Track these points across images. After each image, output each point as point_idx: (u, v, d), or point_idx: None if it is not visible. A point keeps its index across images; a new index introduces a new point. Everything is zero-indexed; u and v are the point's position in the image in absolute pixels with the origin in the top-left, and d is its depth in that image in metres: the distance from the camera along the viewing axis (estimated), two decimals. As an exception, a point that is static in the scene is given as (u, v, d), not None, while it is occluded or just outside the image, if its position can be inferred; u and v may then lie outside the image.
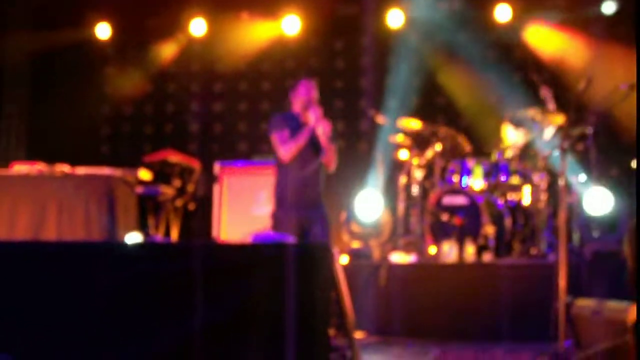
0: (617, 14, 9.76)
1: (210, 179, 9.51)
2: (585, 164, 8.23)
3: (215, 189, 9.23)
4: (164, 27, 11.09)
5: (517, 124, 8.44)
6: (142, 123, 11.41)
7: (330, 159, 6.67)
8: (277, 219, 6.57)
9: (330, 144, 6.59)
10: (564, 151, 5.97)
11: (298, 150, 6.53)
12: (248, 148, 10.91)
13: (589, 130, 7.99)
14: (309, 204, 6.57)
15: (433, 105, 10.43)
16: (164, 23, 11.08)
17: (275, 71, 11.04)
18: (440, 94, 10.40)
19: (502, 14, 10.10)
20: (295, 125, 6.62)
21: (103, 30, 11.14)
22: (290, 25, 10.70)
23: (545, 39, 10.05)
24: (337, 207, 8.93)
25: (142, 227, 8.83)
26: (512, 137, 8.52)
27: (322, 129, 6.54)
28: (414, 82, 10.33)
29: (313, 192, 6.62)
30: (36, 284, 4.66)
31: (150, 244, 6.98)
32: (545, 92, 8.21)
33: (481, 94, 10.08)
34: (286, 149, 6.53)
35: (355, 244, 8.87)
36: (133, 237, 8.06)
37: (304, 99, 6.70)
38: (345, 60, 10.88)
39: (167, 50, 11.15)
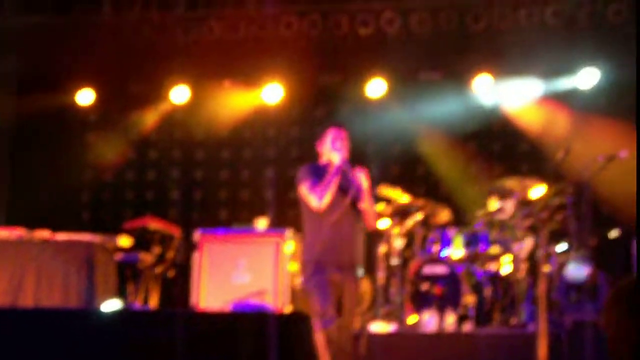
0: (595, 86, 9.90)
1: (190, 246, 9.46)
2: (564, 233, 8.26)
3: (195, 256, 9.17)
4: (146, 94, 11.13)
5: (502, 195, 8.45)
6: (123, 190, 11.38)
7: (370, 213, 6.09)
8: (313, 287, 5.79)
9: (368, 193, 6.02)
10: (543, 221, 6.01)
11: (331, 194, 5.93)
12: (229, 216, 10.89)
13: (568, 200, 8.04)
14: (342, 262, 5.91)
15: (413, 174, 10.49)
16: (146, 90, 11.12)
17: (256, 139, 11.08)
18: (420, 163, 10.47)
19: (482, 84, 10.22)
20: (325, 176, 6.09)
21: (85, 96, 11.16)
22: (272, 93, 10.77)
23: (525, 111, 10.17)
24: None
25: (121, 294, 8.76)
26: (500, 208, 8.48)
27: (363, 181, 5.98)
28: (394, 151, 10.43)
29: (346, 247, 5.95)
30: (14, 351, 4.61)
31: (129, 312, 6.94)
32: None
33: (461, 164, 10.17)
34: (318, 195, 5.93)
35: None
36: (112, 304, 8.00)
37: (332, 148, 6.24)
38: (326, 129, 10.87)
39: (149, 117, 11.16)
